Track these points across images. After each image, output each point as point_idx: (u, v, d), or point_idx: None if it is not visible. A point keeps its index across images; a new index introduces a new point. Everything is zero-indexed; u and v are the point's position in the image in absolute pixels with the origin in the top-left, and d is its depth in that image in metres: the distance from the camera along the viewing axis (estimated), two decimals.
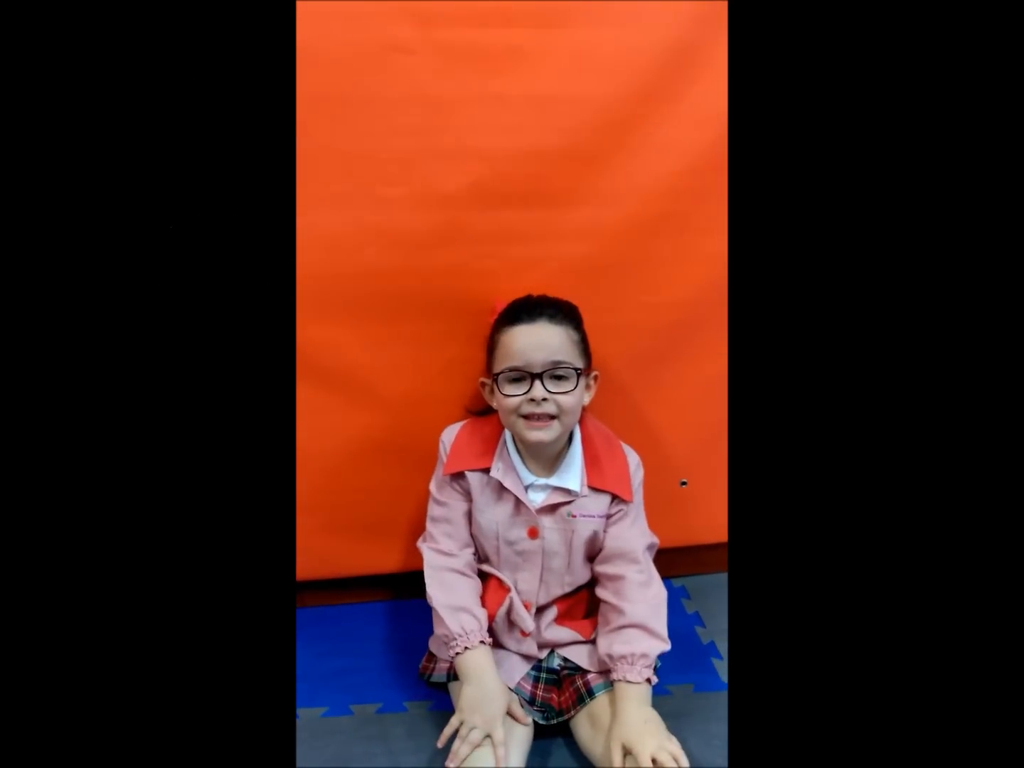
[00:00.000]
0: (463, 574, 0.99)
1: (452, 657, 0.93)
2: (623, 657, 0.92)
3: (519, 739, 0.92)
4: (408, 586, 1.18)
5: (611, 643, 0.94)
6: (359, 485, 1.13)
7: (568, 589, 1.03)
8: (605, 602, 0.99)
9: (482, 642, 0.93)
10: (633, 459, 1.01)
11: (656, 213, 1.03)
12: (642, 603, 0.95)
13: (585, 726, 0.95)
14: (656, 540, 1.02)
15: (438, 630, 0.95)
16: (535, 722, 0.97)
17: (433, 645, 1.05)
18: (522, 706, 0.97)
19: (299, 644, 1.13)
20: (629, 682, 0.91)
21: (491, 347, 0.96)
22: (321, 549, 1.14)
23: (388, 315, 1.04)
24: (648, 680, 0.92)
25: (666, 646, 0.94)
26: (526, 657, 1.02)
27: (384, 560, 1.19)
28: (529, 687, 1.00)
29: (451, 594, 0.96)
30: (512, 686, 0.98)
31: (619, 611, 0.95)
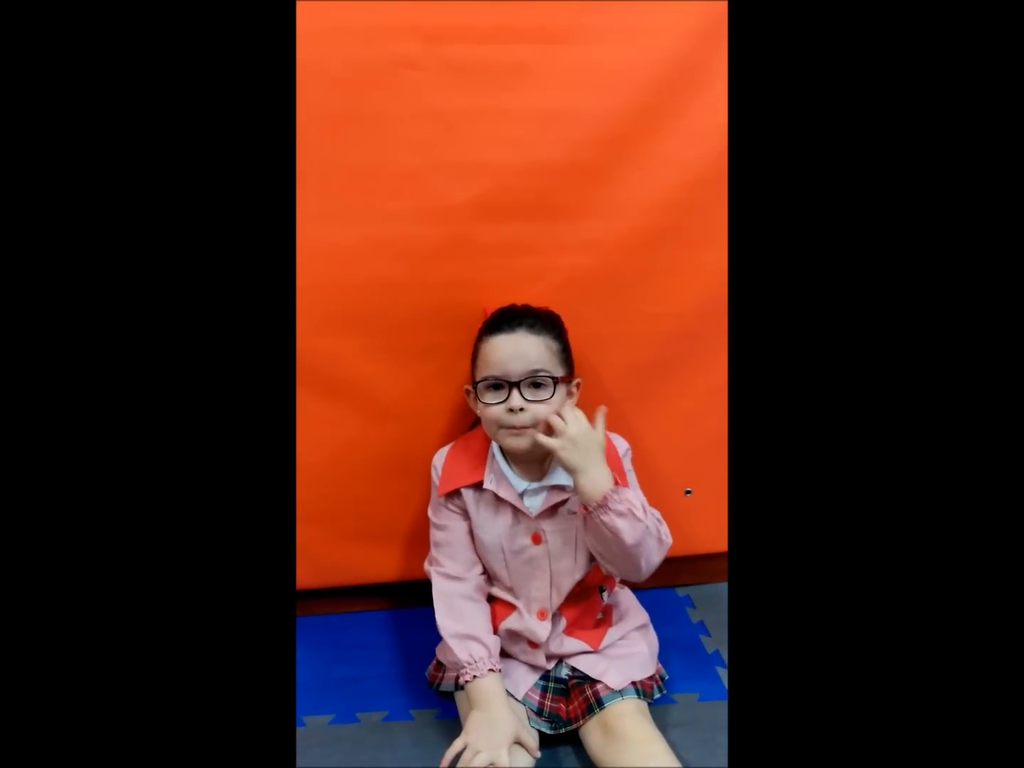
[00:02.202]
0: (472, 599, 0.99)
1: (462, 685, 0.93)
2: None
3: (522, 760, 0.91)
4: (413, 594, 1.19)
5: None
6: (362, 494, 1.13)
7: (577, 576, 1.01)
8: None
9: (491, 669, 0.93)
10: (621, 445, 1.02)
11: (658, 226, 1.05)
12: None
13: (596, 735, 0.95)
14: (657, 513, 0.97)
15: (448, 658, 0.96)
16: (541, 732, 0.97)
17: (441, 654, 1.06)
18: (529, 717, 0.97)
19: (305, 652, 1.13)
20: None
21: (474, 355, 0.97)
22: (326, 558, 1.15)
23: (392, 326, 1.05)
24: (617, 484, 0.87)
25: (636, 495, 0.91)
26: (533, 667, 1.02)
27: (388, 568, 1.19)
28: (537, 697, 1.00)
29: (460, 622, 0.96)
30: (519, 697, 0.98)
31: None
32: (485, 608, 1.00)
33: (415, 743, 1.00)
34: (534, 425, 0.92)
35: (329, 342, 1.04)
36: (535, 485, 0.97)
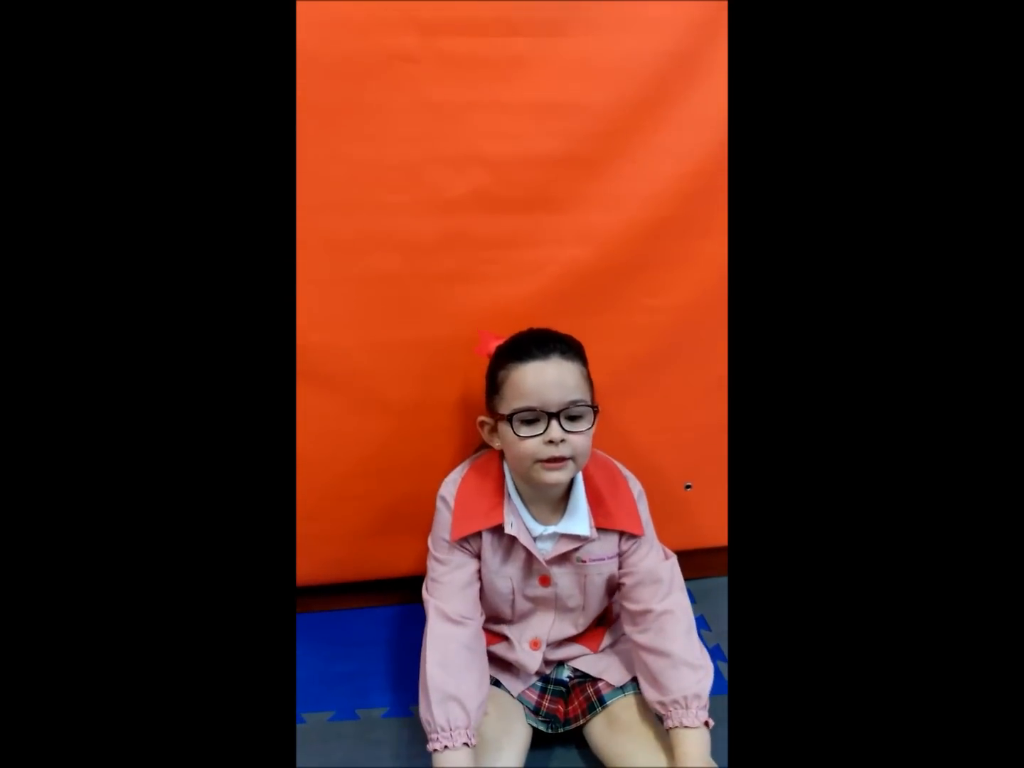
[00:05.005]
0: (471, 649, 0.90)
1: (430, 751, 0.84)
2: (675, 702, 0.87)
3: (518, 741, 0.92)
4: (412, 590, 1.18)
5: (659, 689, 0.89)
6: (363, 490, 1.13)
7: (580, 630, 1.01)
8: (637, 643, 0.93)
9: (465, 744, 0.83)
10: (635, 487, 0.98)
11: (656, 217, 1.05)
12: (673, 636, 0.91)
13: (601, 728, 0.94)
14: (673, 555, 0.99)
15: (422, 711, 0.86)
16: (537, 729, 0.97)
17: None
18: (526, 715, 0.96)
19: (305, 649, 1.13)
20: (686, 727, 0.85)
21: (496, 385, 0.90)
22: (327, 554, 1.15)
23: (391, 320, 1.05)
24: (707, 724, 0.86)
25: (710, 676, 0.89)
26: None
27: (390, 564, 1.19)
28: (535, 697, 1.00)
29: (451, 677, 0.86)
30: (515, 695, 0.98)
31: (655, 652, 0.91)
32: (481, 661, 0.91)
33: (414, 739, 1.00)
34: (572, 457, 0.87)
35: (327, 336, 1.04)
36: (550, 530, 0.93)
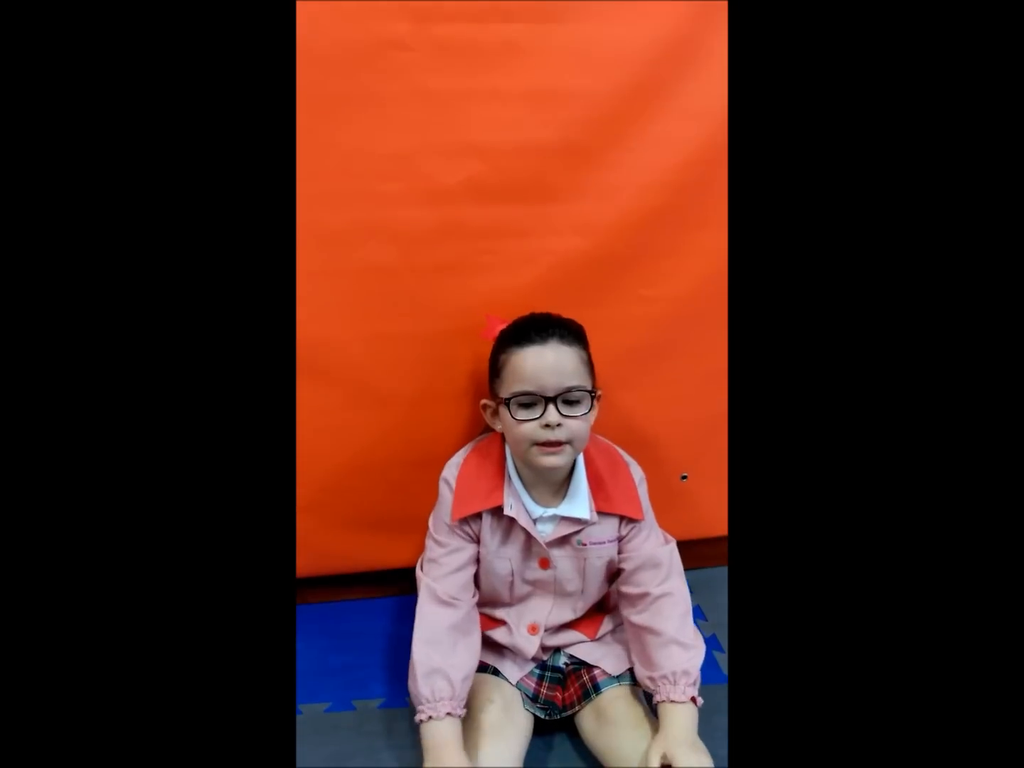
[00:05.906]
0: (461, 631, 0.92)
1: (416, 723, 0.87)
2: (664, 677, 0.89)
3: (520, 730, 0.92)
4: (411, 582, 1.18)
5: (649, 666, 0.91)
6: (362, 482, 1.13)
7: (579, 615, 1.01)
8: (632, 623, 0.95)
9: (449, 714, 0.85)
10: (637, 473, 0.99)
11: (653, 207, 1.04)
12: (668, 616, 0.92)
13: (590, 720, 0.95)
14: (673, 540, 1.00)
15: (410, 686, 0.89)
16: (536, 716, 0.97)
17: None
18: (524, 702, 0.97)
19: (302, 640, 1.13)
20: (673, 702, 0.87)
21: (497, 368, 0.92)
22: (325, 546, 1.14)
23: (386, 311, 1.04)
24: (693, 700, 0.88)
25: (701, 655, 0.91)
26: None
27: (387, 556, 1.19)
28: (532, 684, 1.00)
29: (432, 651, 0.88)
30: (513, 682, 0.98)
31: (649, 631, 0.92)
32: (468, 639, 0.92)
33: (411, 730, 0.99)
34: (569, 441, 0.88)
35: (322, 329, 1.03)
36: (550, 512, 0.94)
